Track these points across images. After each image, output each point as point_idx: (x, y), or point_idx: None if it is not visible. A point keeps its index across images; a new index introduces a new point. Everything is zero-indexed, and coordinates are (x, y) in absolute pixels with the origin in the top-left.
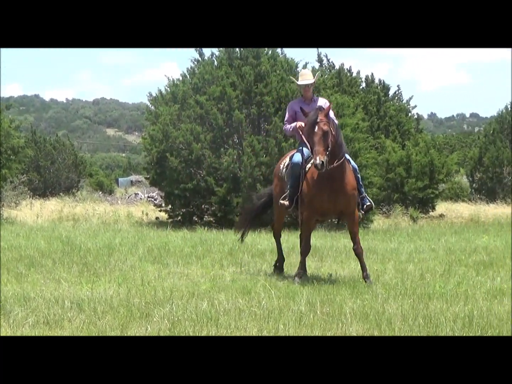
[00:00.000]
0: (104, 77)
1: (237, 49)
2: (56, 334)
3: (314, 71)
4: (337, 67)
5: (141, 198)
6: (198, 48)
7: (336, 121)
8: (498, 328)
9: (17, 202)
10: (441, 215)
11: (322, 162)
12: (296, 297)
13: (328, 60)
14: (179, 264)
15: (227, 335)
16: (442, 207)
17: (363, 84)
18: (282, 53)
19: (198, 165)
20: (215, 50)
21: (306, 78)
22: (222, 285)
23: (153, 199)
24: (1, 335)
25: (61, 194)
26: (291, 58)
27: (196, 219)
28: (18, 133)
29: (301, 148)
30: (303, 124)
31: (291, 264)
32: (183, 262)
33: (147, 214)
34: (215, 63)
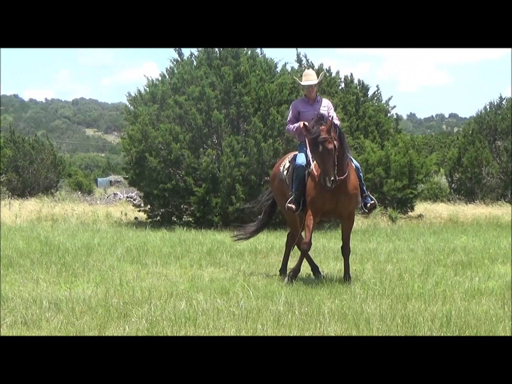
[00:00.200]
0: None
1: (216, 49)
2: (34, 334)
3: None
4: (316, 67)
5: (120, 198)
6: (177, 48)
7: (339, 123)
8: (476, 328)
9: None
10: (420, 215)
11: (332, 181)
12: (275, 297)
13: (307, 60)
14: (158, 264)
15: (205, 335)
16: (421, 207)
17: (342, 85)
18: (261, 53)
19: (177, 165)
20: (194, 50)
21: (309, 78)
22: (201, 285)
23: (132, 199)
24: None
25: (40, 194)
26: (270, 58)
27: (175, 219)
28: None
29: (305, 148)
30: (307, 124)
31: (270, 264)
32: (161, 262)
33: (126, 214)
34: (194, 63)
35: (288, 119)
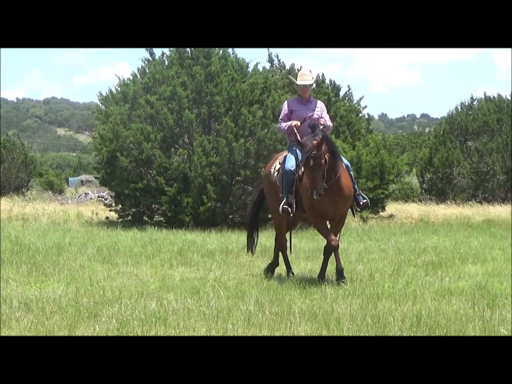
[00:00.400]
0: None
1: (188, 49)
2: (3, 334)
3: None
4: (287, 67)
5: (91, 198)
6: (148, 48)
7: (331, 125)
8: (446, 328)
9: None
10: (391, 216)
11: (320, 194)
12: (245, 297)
13: (279, 60)
14: (129, 264)
15: (175, 335)
16: (392, 207)
17: (314, 85)
18: (233, 53)
19: (148, 165)
20: (166, 50)
21: (305, 78)
22: (171, 285)
23: (103, 199)
24: None
25: (10, 193)
26: (242, 58)
27: (146, 218)
28: None
29: (294, 148)
30: (298, 123)
31: (241, 264)
32: (132, 262)
33: (97, 214)
34: (166, 62)
35: (280, 117)
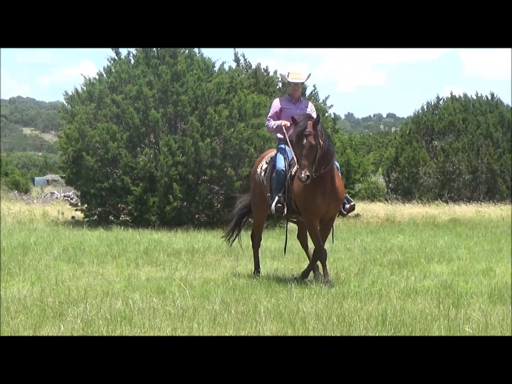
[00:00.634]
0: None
1: (154, 48)
2: None
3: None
4: (253, 66)
5: (57, 197)
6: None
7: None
8: (411, 327)
9: None
10: (357, 215)
11: (307, 176)
12: (211, 296)
13: (245, 59)
14: (94, 263)
15: (141, 334)
16: (358, 207)
17: (280, 84)
18: (199, 53)
19: (114, 164)
20: (132, 49)
21: (297, 77)
22: (137, 284)
23: (69, 198)
24: None
25: None
26: (208, 58)
27: (112, 218)
28: None
29: (283, 147)
30: (288, 123)
31: (207, 263)
32: (98, 261)
33: (63, 214)
34: (132, 62)
35: (269, 115)
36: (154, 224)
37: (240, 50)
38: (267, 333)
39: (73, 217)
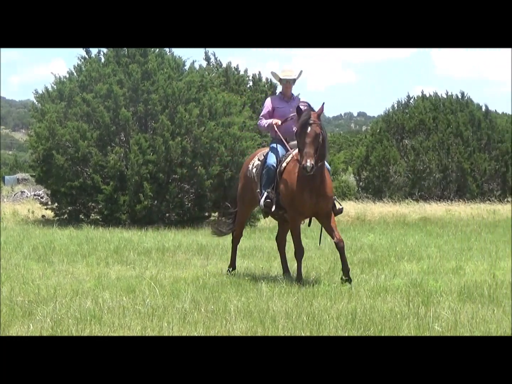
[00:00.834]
0: None
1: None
2: None
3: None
4: (224, 65)
5: (27, 196)
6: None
7: None
8: (381, 325)
9: None
10: None
11: (312, 165)
12: (181, 295)
13: (215, 58)
14: (64, 262)
15: (110, 333)
16: None
17: (250, 83)
18: (169, 51)
19: (84, 163)
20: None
21: (288, 74)
22: (107, 283)
23: (39, 197)
24: None
25: None
26: (179, 57)
27: (82, 217)
28: None
29: (275, 146)
30: (279, 122)
31: (177, 262)
32: (68, 260)
33: (33, 212)
34: (102, 60)
35: (262, 114)
36: (124, 223)
37: (210, 49)
38: (237, 332)
39: (43, 216)
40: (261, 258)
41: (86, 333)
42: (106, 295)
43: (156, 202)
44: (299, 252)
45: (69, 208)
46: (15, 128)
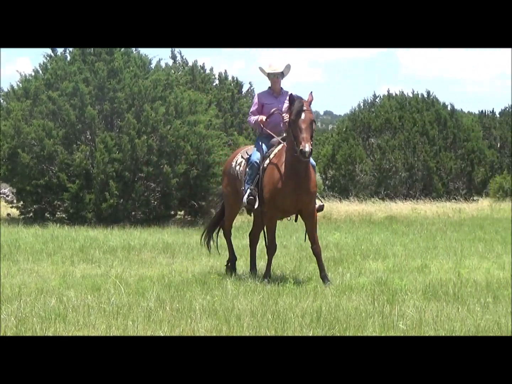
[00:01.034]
0: None
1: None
2: None
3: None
4: (190, 64)
5: None
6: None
7: None
8: (346, 324)
9: None
10: None
11: (311, 149)
12: (146, 293)
13: (182, 57)
14: (29, 260)
15: (75, 331)
16: None
17: (217, 81)
18: (135, 50)
19: (50, 161)
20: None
21: (275, 68)
22: (72, 281)
23: (4, 196)
24: None
25: None
26: (145, 55)
27: (48, 215)
28: None
29: (259, 143)
30: (264, 118)
31: (142, 260)
32: (33, 258)
33: None
34: (68, 58)
35: (251, 110)
36: (90, 221)
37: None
38: (202, 330)
39: (8, 214)
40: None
41: (50, 331)
42: (71, 294)
43: (122, 200)
44: (271, 248)
45: (34, 206)
46: None
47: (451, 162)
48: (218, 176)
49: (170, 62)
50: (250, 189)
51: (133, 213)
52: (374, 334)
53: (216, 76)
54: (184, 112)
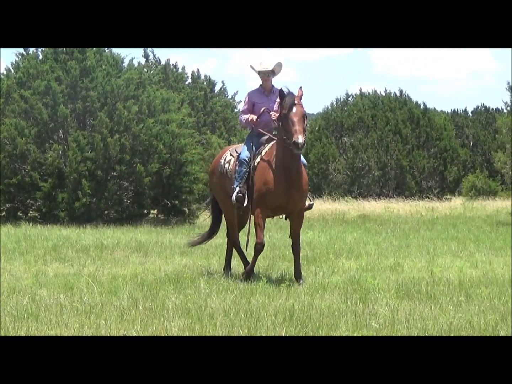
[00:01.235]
0: None
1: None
2: None
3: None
4: (163, 62)
5: None
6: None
7: None
8: (318, 322)
9: None
10: None
11: (304, 141)
12: (119, 292)
13: (154, 55)
14: (2, 260)
15: (47, 330)
16: None
17: (189, 80)
18: (108, 48)
19: (22, 160)
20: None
21: (265, 66)
22: (45, 280)
23: None
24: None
25: None
26: (117, 54)
27: (20, 214)
28: None
29: (250, 143)
30: (254, 118)
31: (115, 259)
32: (5, 258)
33: None
34: (40, 57)
35: (242, 109)
36: (63, 220)
37: None
38: (175, 329)
39: None
40: (200, 256)
41: (23, 331)
42: (43, 293)
43: (94, 199)
44: (260, 246)
45: (7, 205)
46: None
47: (424, 161)
48: (191, 175)
49: (143, 61)
50: (239, 187)
51: (106, 212)
52: (347, 333)
53: (189, 75)
54: (157, 111)
